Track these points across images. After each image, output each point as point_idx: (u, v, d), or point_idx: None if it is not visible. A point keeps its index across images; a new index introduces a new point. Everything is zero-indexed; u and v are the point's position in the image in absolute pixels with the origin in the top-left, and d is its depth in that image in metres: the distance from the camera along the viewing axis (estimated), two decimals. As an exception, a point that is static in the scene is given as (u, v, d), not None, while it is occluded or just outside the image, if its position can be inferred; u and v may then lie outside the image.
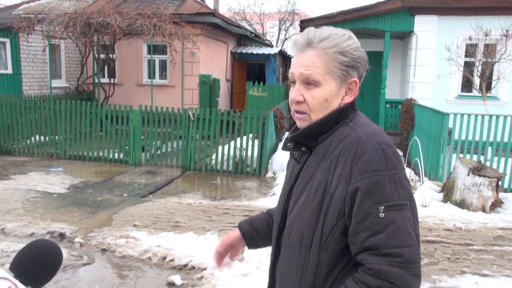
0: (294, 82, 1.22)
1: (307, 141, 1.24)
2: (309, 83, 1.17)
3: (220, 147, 7.86)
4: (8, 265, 1.06)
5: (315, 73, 1.16)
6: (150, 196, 6.18)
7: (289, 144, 1.28)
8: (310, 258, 1.16)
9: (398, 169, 1.10)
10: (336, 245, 1.13)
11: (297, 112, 1.22)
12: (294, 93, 1.20)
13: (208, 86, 12.18)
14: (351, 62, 1.17)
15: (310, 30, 1.20)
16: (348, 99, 1.21)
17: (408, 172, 6.83)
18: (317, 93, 1.17)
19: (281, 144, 8.69)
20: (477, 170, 5.61)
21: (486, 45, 8.16)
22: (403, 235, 1.06)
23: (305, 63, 1.17)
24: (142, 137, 8.25)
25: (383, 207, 1.06)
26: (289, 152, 1.34)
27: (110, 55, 11.82)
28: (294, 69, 1.20)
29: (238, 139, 7.79)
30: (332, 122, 1.20)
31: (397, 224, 1.06)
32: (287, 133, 9.63)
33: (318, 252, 1.14)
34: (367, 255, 1.07)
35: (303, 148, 1.25)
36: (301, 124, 1.23)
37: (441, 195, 6.07)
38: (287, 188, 1.28)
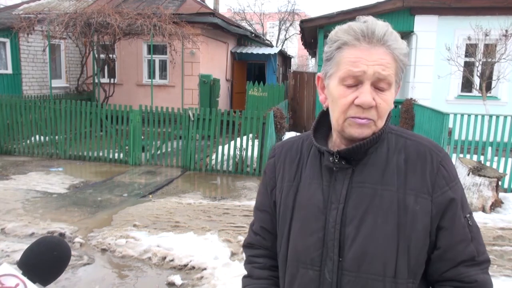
0: (351, 80, 1.00)
1: (355, 155, 1.05)
2: (381, 85, 0.99)
3: (220, 147, 7.86)
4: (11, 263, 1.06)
5: (391, 75, 1.00)
6: (150, 196, 6.18)
7: (332, 158, 1.05)
8: None
9: None
10: (422, 267, 1.03)
11: (362, 118, 1.00)
12: (368, 96, 0.98)
13: (208, 86, 12.18)
14: (407, 65, 1.08)
15: (380, 24, 1.01)
16: (392, 105, 1.09)
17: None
18: (389, 98, 1.01)
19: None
20: (477, 170, 5.61)
21: (486, 45, 8.16)
22: (482, 239, 1.06)
23: (382, 62, 0.98)
24: (142, 137, 8.25)
25: (468, 215, 1.04)
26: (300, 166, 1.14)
27: (110, 55, 11.82)
28: (365, 67, 0.97)
29: (238, 139, 7.79)
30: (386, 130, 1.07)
31: (479, 229, 1.06)
32: (287, 134, 9.57)
33: (406, 281, 1.00)
34: (465, 268, 1.01)
35: (343, 162, 1.05)
36: (361, 131, 1.01)
37: (441, 195, 6.07)
38: (335, 213, 1.03)
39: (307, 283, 1.06)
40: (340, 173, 1.05)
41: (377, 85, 0.99)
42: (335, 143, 1.10)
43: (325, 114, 1.13)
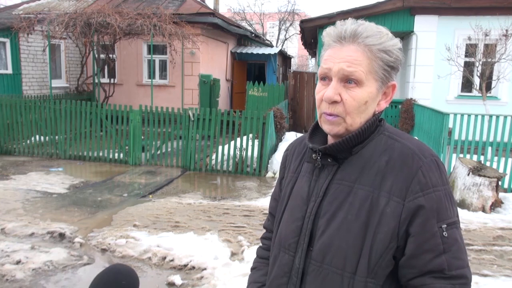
0: (325, 78, 1.06)
1: (338, 153, 1.08)
2: (349, 81, 1.03)
3: (220, 147, 7.86)
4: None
5: (358, 71, 1.01)
6: (150, 196, 6.18)
7: (314, 155, 1.11)
8: (355, 286, 1.02)
9: (449, 183, 1.05)
10: (385, 269, 1.02)
11: (329, 114, 1.05)
12: (331, 91, 1.03)
13: (208, 86, 12.18)
14: (395, 63, 1.06)
15: (354, 23, 1.05)
16: (384, 105, 1.10)
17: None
18: (358, 94, 1.03)
19: (281, 144, 8.70)
20: (477, 170, 5.61)
21: (486, 45, 8.17)
22: (463, 254, 1.01)
23: (348, 59, 1.02)
24: (142, 137, 8.25)
25: (445, 225, 1.00)
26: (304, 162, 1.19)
27: (110, 55, 11.82)
28: (332, 64, 1.04)
29: (238, 139, 7.79)
30: (370, 131, 1.08)
31: (459, 243, 1.01)
32: (287, 134, 9.58)
33: (365, 279, 1.01)
34: (431, 279, 0.99)
35: (329, 160, 1.09)
36: (331, 128, 1.06)
37: (441, 195, 6.06)
38: (312, 205, 1.10)
39: (283, 266, 1.14)
40: (326, 169, 1.11)
41: (346, 82, 1.03)
42: (329, 141, 1.14)
43: None
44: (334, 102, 1.04)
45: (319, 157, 1.10)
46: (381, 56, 1.04)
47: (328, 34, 1.08)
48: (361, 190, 1.04)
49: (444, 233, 0.99)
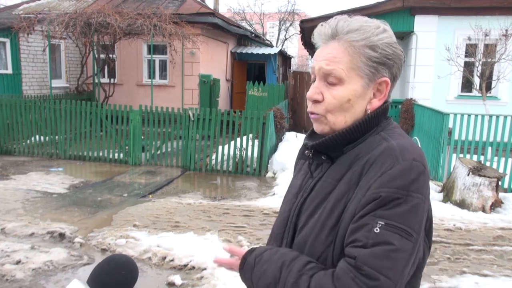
0: (315, 78, 1.06)
1: (329, 151, 1.08)
2: (329, 80, 1.01)
3: (220, 147, 7.86)
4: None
5: (337, 69, 1.00)
6: (150, 196, 6.18)
7: (307, 151, 1.12)
8: None
9: (422, 195, 0.93)
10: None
11: (311, 113, 1.07)
12: (312, 90, 1.04)
13: (208, 86, 12.18)
14: (382, 59, 1.01)
15: (339, 20, 1.03)
16: (377, 103, 1.04)
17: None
18: (339, 92, 1.01)
19: (281, 144, 8.69)
20: (477, 170, 5.61)
21: (486, 45, 8.17)
22: (390, 261, 0.89)
23: (327, 57, 1.01)
24: (142, 137, 8.25)
25: (382, 223, 0.90)
26: (303, 159, 1.21)
27: (110, 55, 11.82)
28: (314, 63, 1.05)
29: (238, 139, 7.80)
30: (361, 130, 1.04)
31: (391, 248, 0.89)
32: (287, 134, 9.55)
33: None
34: (343, 262, 0.94)
35: (323, 157, 1.09)
36: (316, 126, 1.08)
37: (441, 195, 6.07)
38: (298, 200, 1.11)
39: None
40: (320, 167, 1.11)
41: (327, 80, 1.03)
42: None
43: None
44: (316, 101, 1.04)
45: (310, 154, 1.11)
46: (364, 52, 0.99)
47: (317, 33, 1.07)
48: (340, 189, 1.02)
49: (375, 229, 0.90)
